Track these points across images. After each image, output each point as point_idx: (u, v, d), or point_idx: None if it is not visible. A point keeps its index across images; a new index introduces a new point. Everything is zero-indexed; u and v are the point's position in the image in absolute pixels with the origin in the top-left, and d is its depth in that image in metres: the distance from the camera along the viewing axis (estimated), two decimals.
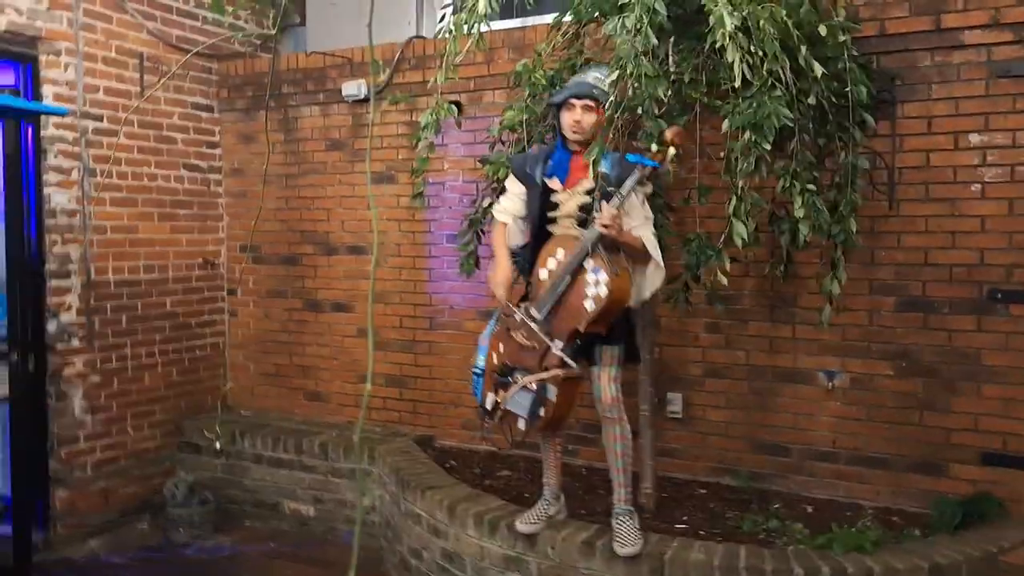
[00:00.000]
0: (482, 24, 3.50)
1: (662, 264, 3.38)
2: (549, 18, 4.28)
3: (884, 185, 3.95)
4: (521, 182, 3.55)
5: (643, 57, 3.08)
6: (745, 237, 3.30)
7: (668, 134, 3.21)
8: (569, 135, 3.42)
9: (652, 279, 3.41)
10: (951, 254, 3.87)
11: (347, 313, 5.38)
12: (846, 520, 3.72)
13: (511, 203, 3.58)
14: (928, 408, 3.91)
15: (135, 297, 4.99)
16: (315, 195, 5.44)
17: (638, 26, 3.10)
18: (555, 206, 3.45)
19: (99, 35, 4.73)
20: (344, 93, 5.15)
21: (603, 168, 3.33)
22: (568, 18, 3.91)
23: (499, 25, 4.75)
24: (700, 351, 4.38)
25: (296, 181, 5.49)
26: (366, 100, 5.15)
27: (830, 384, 4.11)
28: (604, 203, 3.25)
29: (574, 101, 3.37)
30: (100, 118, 4.74)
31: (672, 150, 3.22)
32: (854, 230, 3.63)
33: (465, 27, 3.50)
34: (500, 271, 3.50)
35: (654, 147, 3.22)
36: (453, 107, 3.79)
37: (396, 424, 5.21)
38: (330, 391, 5.48)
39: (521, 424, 3.38)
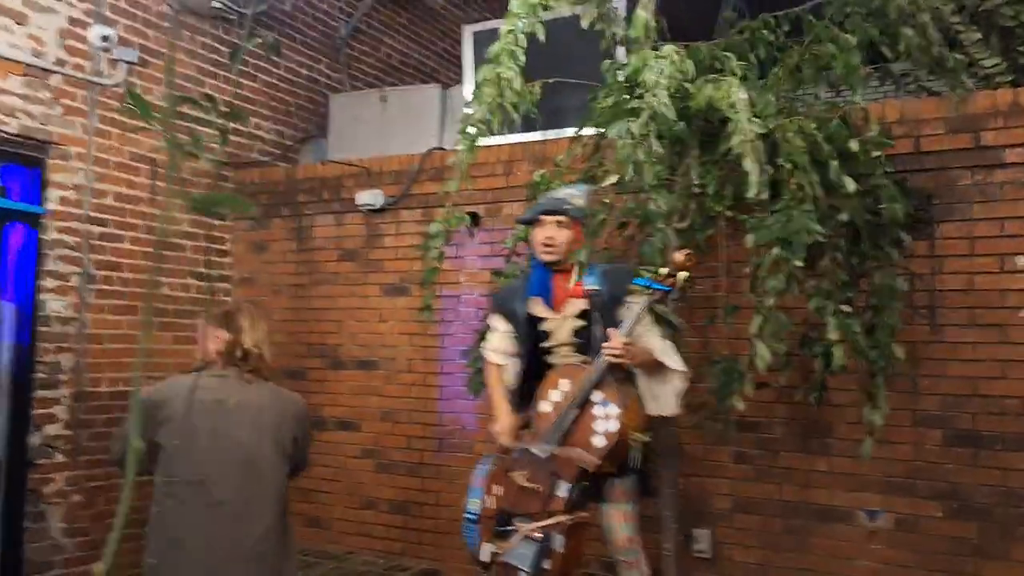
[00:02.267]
0: (483, 132, 3.36)
1: (681, 367, 3.05)
2: (570, 132, 4.18)
3: (925, 309, 3.70)
4: (507, 319, 3.31)
5: (645, 164, 2.90)
6: (768, 360, 3.04)
7: (679, 257, 2.96)
8: (540, 254, 3.18)
9: (673, 385, 3.07)
10: (1001, 385, 3.58)
11: (353, 432, 5.09)
12: None
13: (501, 342, 3.33)
14: (982, 555, 3.55)
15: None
16: (325, 306, 5.25)
17: (643, 132, 2.92)
18: (546, 334, 3.19)
19: (113, 140, 4.67)
20: (358, 202, 5.04)
21: (591, 284, 3.10)
22: (588, 131, 3.79)
23: (519, 138, 4.66)
24: (728, 483, 4.04)
25: (307, 292, 5.32)
26: (382, 210, 5.03)
27: (871, 524, 3.74)
28: (613, 330, 2.97)
29: (544, 217, 3.17)
30: (105, 223, 4.63)
31: (683, 274, 2.97)
32: (899, 355, 3.35)
33: (472, 134, 3.36)
34: (503, 418, 3.21)
35: (663, 270, 2.97)
36: (466, 216, 3.62)
37: (399, 556, 4.83)
38: (331, 517, 5.12)
39: None
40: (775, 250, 3.07)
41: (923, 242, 3.70)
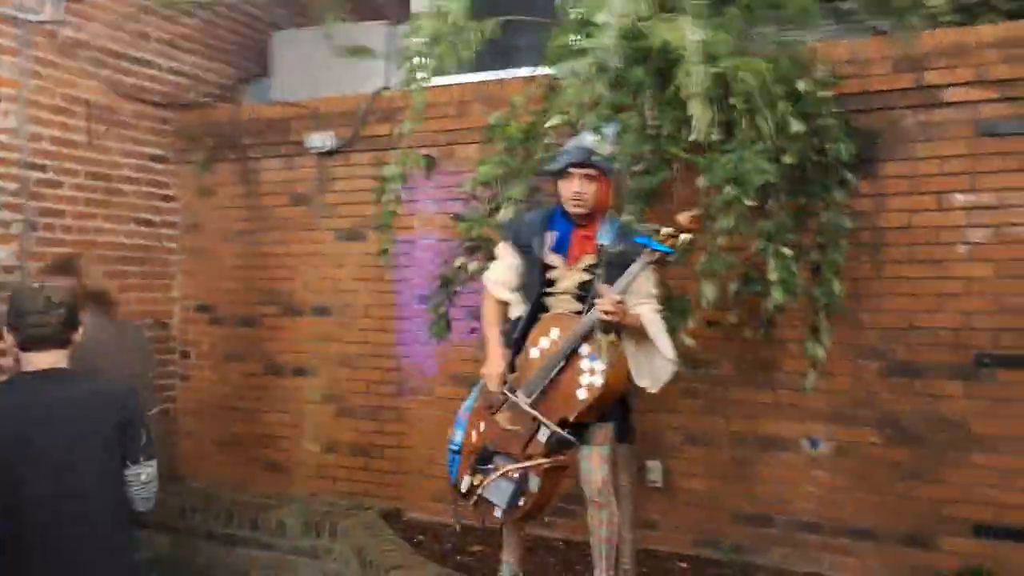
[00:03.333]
0: (425, 69, 3.29)
1: (671, 355, 3.06)
2: (523, 72, 4.14)
3: (867, 246, 3.82)
4: (519, 253, 3.22)
5: (584, 106, 2.88)
6: (712, 298, 3.12)
7: (683, 219, 2.94)
8: (571, 209, 3.12)
9: (661, 370, 3.10)
10: (937, 317, 3.74)
11: (311, 378, 5.08)
12: None
13: (507, 274, 3.26)
14: (916, 477, 3.74)
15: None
16: (277, 252, 5.19)
17: (589, 74, 2.89)
18: (551, 281, 3.16)
19: (45, 82, 4.49)
20: (308, 145, 4.94)
21: (604, 240, 3.07)
22: (544, 71, 3.76)
23: (471, 78, 4.60)
24: (679, 416, 4.18)
25: (257, 238, 5.23)
26: (332, 153, 4.94)
27: (814, 451, 3.92)
28: (606, 287, 2.94)
29: (573, 170, 3.08)
30: (44, 168, 4.48)
31: (686, 236, 2.95)
32: (839, 292, 3.47)
33: (418, 74, 3.30)
34: (494, 362, 3.17)
35: (664, 230, 2.93)
36: (421, 157, 3.58)
37: (361, 496, 4.90)
38: (291, 461, 5.15)
39: (498, 513, 3.11)
40: (727, 189, 3.12)
41: (867, 181, 3.80)
